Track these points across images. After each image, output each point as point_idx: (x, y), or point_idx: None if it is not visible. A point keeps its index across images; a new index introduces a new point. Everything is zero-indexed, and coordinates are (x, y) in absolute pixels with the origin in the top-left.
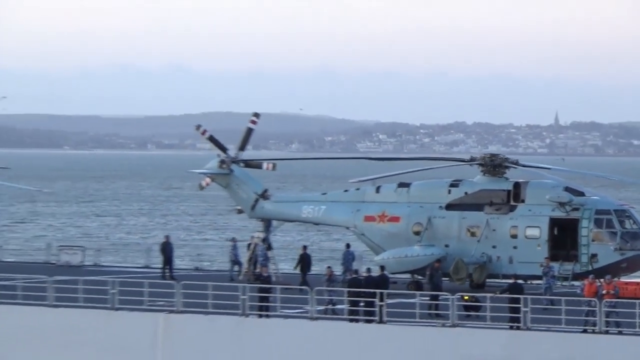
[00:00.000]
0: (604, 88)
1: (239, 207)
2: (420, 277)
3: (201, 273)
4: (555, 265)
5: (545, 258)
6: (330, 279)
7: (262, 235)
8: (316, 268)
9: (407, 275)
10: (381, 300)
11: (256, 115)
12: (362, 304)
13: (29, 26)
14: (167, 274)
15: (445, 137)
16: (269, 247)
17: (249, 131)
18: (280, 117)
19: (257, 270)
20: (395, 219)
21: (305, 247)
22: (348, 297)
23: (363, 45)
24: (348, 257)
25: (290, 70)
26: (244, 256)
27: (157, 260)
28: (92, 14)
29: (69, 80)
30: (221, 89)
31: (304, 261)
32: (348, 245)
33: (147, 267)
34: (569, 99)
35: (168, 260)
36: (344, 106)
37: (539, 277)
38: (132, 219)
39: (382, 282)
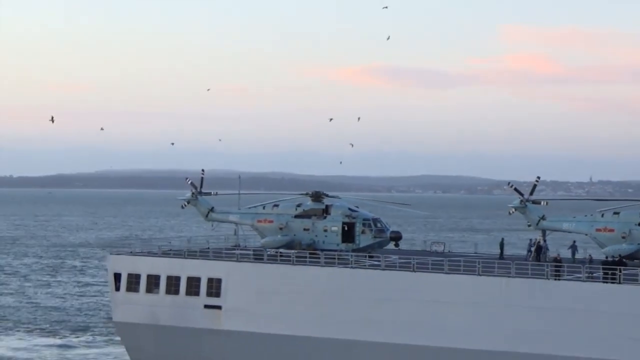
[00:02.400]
0: None
1: (529, 224)
2: (624, 259)
3: (506, 257)
4: None
5: None
6: (590, 260)
7: (541, 237)
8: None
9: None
10: (620, 272)
11: (538, 177)
12: (608, 273)
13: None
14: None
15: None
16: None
17: (534, 186)
18: (456, 177)
19: (541, 255)
20: (611, 230)
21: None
22: (602, 270)
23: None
24: (574, 248)
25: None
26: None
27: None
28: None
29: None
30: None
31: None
32: (574, 241)
33: (475, 252)
34: None
35: (502, 250)
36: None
37: None
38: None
39: (620, 262)
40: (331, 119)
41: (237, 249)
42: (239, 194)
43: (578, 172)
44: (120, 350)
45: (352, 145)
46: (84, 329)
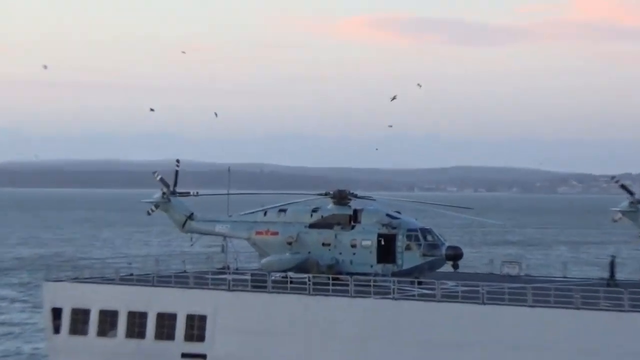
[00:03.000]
0: None
1: None
2: None
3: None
4: None
5: None
6: None
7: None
8: None
9: None
10: None
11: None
12: None
13: None
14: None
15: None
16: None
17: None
18: (505, 169)
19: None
20: None
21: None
22: None
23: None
24: None
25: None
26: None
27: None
28: None
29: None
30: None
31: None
32: None
33: (564, 277)
34: None
35: (612, 273)
36: (548, 160)
37: None
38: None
39: None
40: (394, 97)
41: (228, 273)
42: (229, 194)
43: None
44: None
45: (391, 126)
46: None
